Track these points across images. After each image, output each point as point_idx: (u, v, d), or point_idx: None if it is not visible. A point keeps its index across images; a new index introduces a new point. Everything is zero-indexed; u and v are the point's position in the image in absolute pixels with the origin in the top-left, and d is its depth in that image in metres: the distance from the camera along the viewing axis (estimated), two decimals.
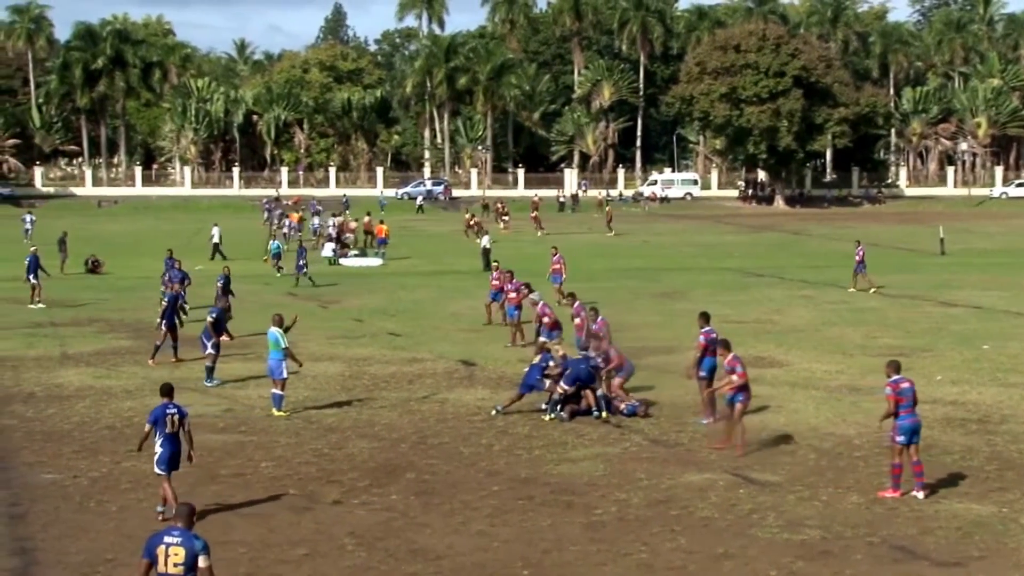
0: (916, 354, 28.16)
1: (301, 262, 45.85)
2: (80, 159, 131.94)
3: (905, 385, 17.34)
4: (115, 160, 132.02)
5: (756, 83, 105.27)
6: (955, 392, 24.38)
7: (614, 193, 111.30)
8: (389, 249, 59.32)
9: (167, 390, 16.77)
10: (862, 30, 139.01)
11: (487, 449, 20.32)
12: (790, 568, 14.54)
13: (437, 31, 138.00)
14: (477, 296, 38.76)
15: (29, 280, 39.93)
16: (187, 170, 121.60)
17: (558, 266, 39.94)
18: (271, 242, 54.64)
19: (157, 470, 16.37)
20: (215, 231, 58.56)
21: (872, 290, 42.45)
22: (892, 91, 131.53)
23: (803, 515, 16.55)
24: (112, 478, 18.62)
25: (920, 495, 17.18)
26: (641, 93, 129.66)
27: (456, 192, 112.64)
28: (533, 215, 79.08)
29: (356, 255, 58.39)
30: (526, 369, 23.29)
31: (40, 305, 39.00)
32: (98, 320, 36.10)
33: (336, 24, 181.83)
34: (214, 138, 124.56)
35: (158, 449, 16.26)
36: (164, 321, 28.81)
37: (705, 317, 22.59)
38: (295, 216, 71.90)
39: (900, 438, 17.20)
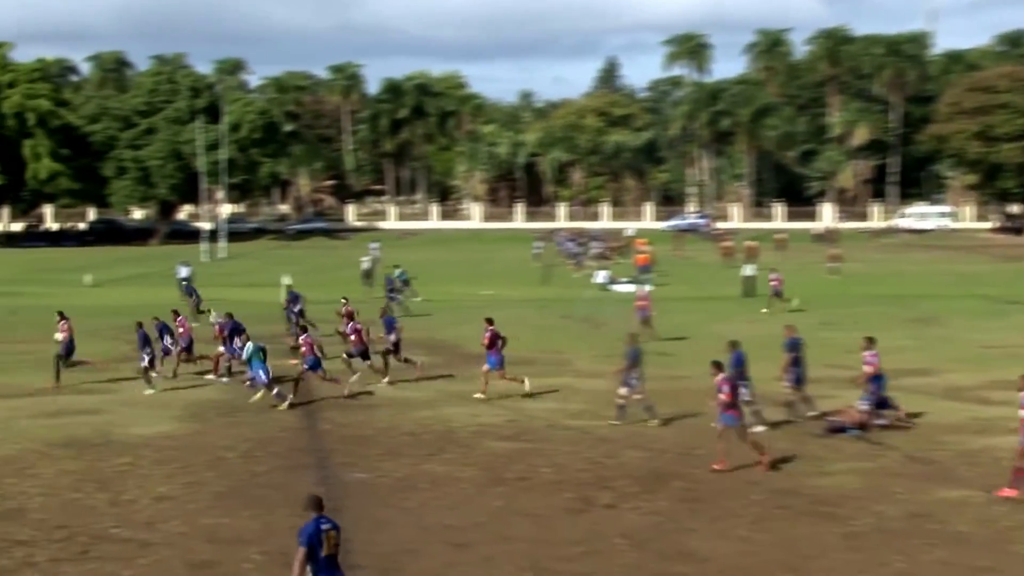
0: None
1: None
2: (385, 197, 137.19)
3: None
4: (415, 197, 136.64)
5: (1010, 121, 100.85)
6: None
7: (876, 225, 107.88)
8: (655, 276, 58.94)
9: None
10: None
11: (748, 460, 19.86)
12: None
13: (701, 78, 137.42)
14: (737, 320, 38.12)
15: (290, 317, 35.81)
16: (476, 206, 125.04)
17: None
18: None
19: None
20: (184, 270, 52.43)
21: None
22: None
23: None
24: (411, 479, 19.01)
25: None
26: (896, 132, 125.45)
27: (719, 225, 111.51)
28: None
29: (627, 282, 58.18)
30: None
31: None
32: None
33: (609, 74, 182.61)
34: (500, 177, 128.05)
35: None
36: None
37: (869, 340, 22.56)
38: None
39: None
